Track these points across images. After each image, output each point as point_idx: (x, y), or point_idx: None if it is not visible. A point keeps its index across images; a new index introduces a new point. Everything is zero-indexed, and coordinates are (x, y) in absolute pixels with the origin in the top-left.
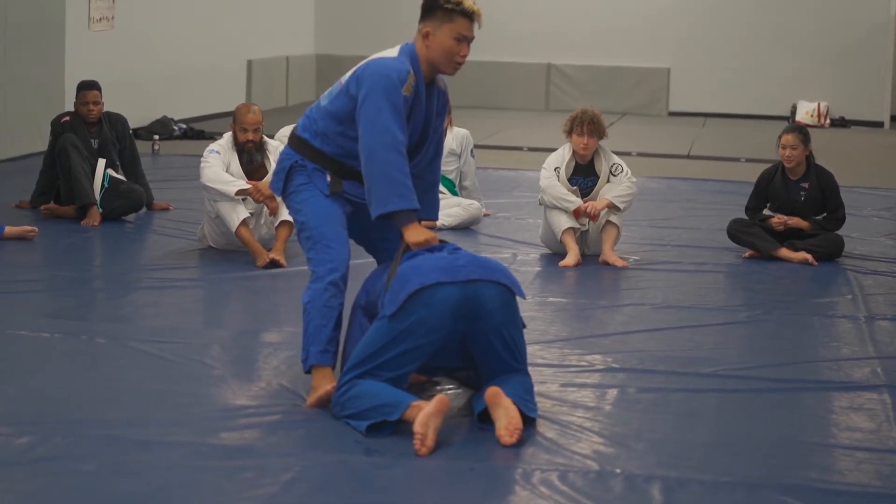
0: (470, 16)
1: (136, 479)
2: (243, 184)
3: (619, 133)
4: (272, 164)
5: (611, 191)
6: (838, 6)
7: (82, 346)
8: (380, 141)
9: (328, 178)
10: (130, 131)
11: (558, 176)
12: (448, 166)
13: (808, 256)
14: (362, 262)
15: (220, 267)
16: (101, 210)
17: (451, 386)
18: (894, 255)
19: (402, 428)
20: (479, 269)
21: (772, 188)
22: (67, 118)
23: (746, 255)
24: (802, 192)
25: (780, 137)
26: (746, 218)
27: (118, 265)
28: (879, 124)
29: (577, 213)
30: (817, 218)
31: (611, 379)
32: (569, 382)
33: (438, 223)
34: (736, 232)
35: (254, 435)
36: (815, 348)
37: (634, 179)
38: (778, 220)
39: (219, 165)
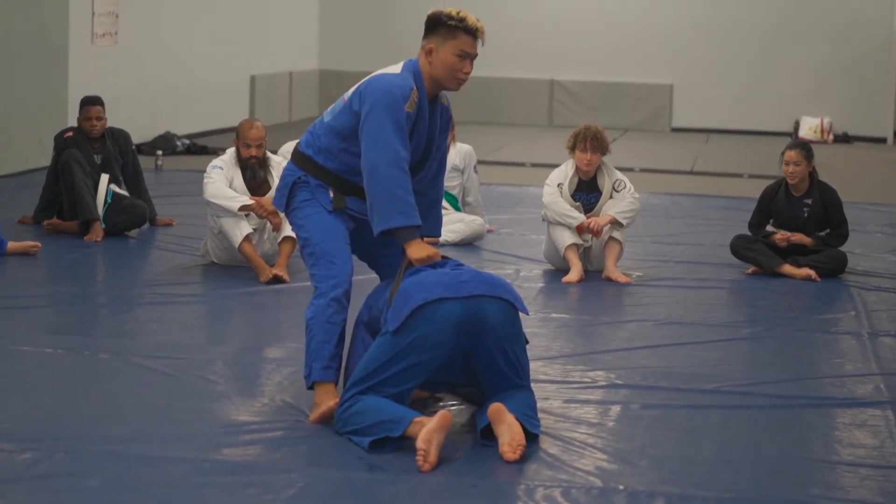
0: (473, 33)
1: (139, 495)
2: (246, 199)
3: (622, 149)
4: (275, 180)
5: (614, 207)
6: (841, 22)
7: (85, 362)
8: (382, 157)
9: (331, 195)
10: (133, 147)
11: (561, 192)
12: (451, 182)
13: (812, 273)
14: (365, 278)
15: (223, 283)
16: (103, 225)
17: (453, 402)
18: None
19: (404, 444)
20: (481, 285)
21: (775, 204)
22: (70, 133)
23: (749, 271)
24: (806, 209)
25: (783, 154)
26: (750, 234)
27: (121, 281)
28: (882, 140)
29: (580, 230)
30: (820, 234)
31: (614, 395)
32: (572, 398)
33: (441, 239)
34: (739, 248)
35: (257, 451)
36: (818, 365)
37: (637, 195)
38: (781, 236)
39: (222, 181)
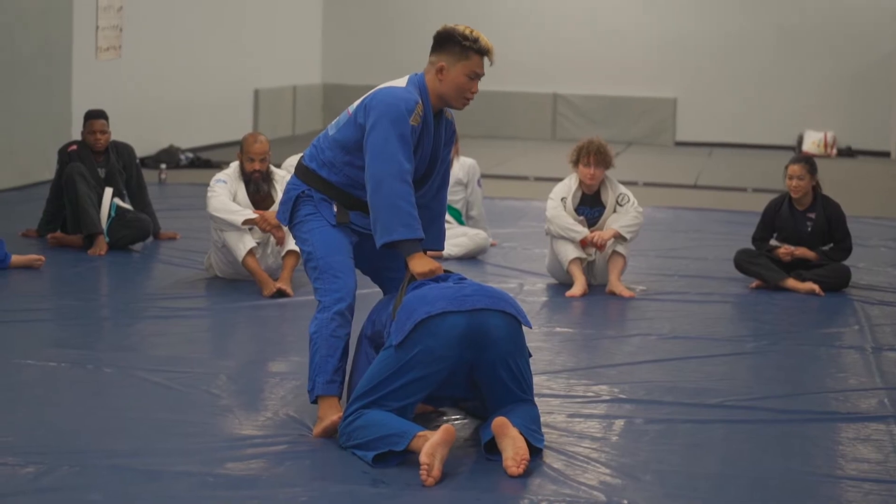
0: (485, 54)
1: None
2: (250, 213)
3: (625, 163)
4: (279, 194)
5: (617, 221)
6: (845, 37)
7: (89, 376)
8: (386, 170)
9: (335, 209)
10: (137, 160)
11: (565, 206)
12: (455, 196)
13: (815, 287)
14: (368, 292)
15: (226, 296)
16: (107, 239)
17: (457, 416)
18: None
19: (408, 458)
20: (485, 299)
21: (779, 218)
22: (74, 147)
23: (753, 285)
24: (809, 223)
25: (786, 168)
26: (753, 248)
27: (125, 294)
28: (886, 154)
29: (583, 244)
30: (824, 248)
31: (618, 410)
32: (575, 413)
33: (445, 253)
34: (743, 262)
35: (260, 465)
36: (821, 379)
37: (641, 209)
38: (785, 250)
39: (225, 195)
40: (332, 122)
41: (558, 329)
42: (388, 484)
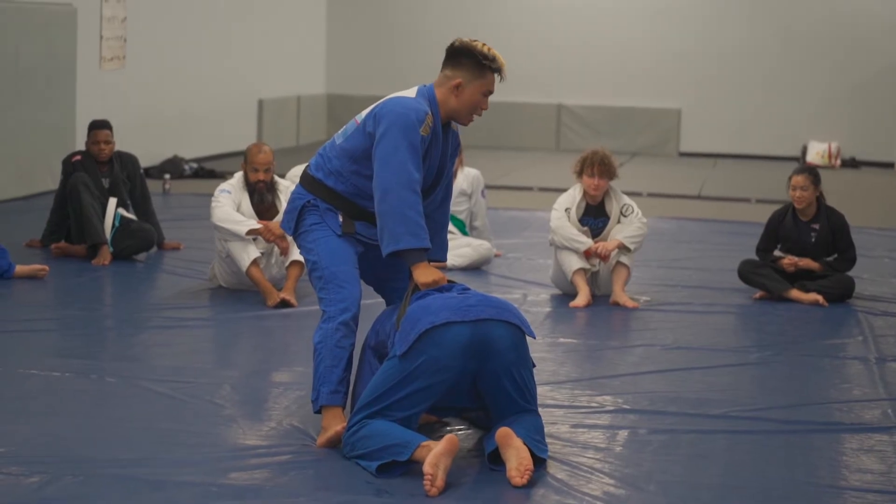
0: (500, 72)
1: None
2: (254, 223)
3: (629, 173)
4: (283, 204)
5: (621, 231)
6: (849, 48)
7: (92, 386)
8: (395, 178)
9: (340, 219)
10: (141, 170)
11: (569, 216)
12: (459, 206)
13: (819, 298)
14: (372, 303)
15: (230, 306)
16: (111, 249)
17: (461, 426)
18: None
19: (412, 468)
20: (489, 309)
21: (782, 229)
22: (78, 157)
23: (757, 296)
24: (813, 233)
25: (790, 178)
26: (757, 259)
27: (128, 304)
28: (890, 165)
29: (587, 254)
30: (828, 259)
31: (621, 420)
32: (579, 423)
33: (449, 263)
34: (747, 273)
35: (264, 475)
36: (825, 390)
37: (645, 220)
38: (789, 261)
39: (230, 205)
40: (339, 131)
41: (562, 339)
42: (392, 494)
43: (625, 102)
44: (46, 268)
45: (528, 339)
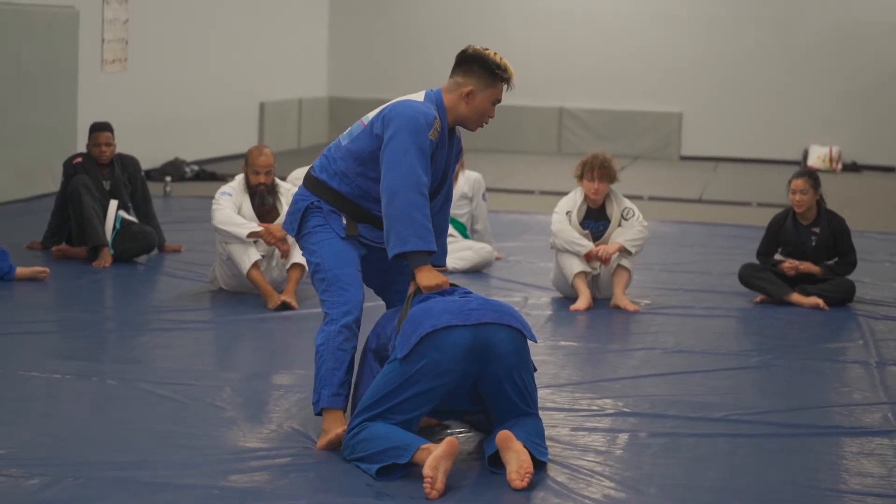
0: (510, 82)
1: None
2: (255, 226)
3: (630, 177)
4: (284, 207)
5: (622, 235)
6: (850, 51)
7: (93, 388)
8: (404, 181)
9: (344, 221)
10: (142, 173)
11: (570, 220)
12: (460, 209)
13: (820, 301)
14: (373, 305)
15: (231, 309)
16: (112, 251)
17: (461, 429)
18: None
19: (412, 471)
20: (490, 313)
21: (783, 233)
22: (80, 159)
23: (758, 299)
24: (814, 237)
25: (789, 182)
26: (758, 262)
27: (129, 307)
28: (891, 169)
29: (588, 257)
30: (829, 263)
31: (622, 423)
32: (579, 426)
33: (450, 266)
34: (747, 276)
35: (264, 478)
36: (826, 393)
37: (646, 223)
38: (789, 264)
39: (230, 208)
40: (345, 133)
41: (563, 343)
42: (392, 497)
43: (626, 106)
44: (47, 270)
45: (530, 342)
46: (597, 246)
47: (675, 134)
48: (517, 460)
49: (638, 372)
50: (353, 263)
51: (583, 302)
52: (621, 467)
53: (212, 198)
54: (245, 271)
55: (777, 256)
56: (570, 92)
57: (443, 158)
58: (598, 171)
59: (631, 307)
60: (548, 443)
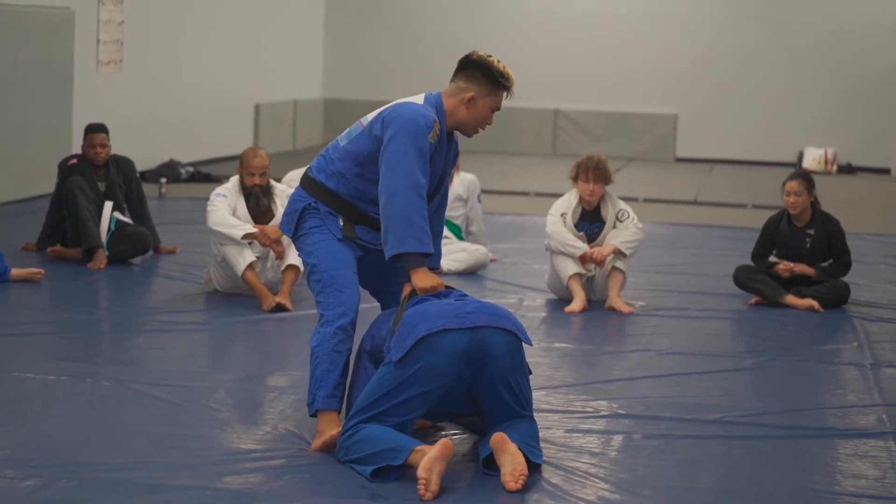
0: (510, 90)
1: None
2: (250, 227)
3: (626, 179)
4: (279, 208)
5: (617, 237)
6: (845, 52)
7: (88, 389)
8: (403, 183)
9: (341, 223)
10: (137, 174)
11: (565, 221)
12: (455, 211)
13: (814, 303)
14: (368, 307)
15: (226, 310)
16: (107, 253)
17: (455, 431)
18: None
19: (406, 473)
20: (486, 316)
21: (778, 235)
22: (75, 161)
23: (752, 301)
24: (808, 239)
25: (784, 184)
26: (753, 264)
27: (124, 308)
28: (886, 171)
29: (583, 259)
30: (823, 265)
31: (616, 425)
32: (574, 428)
33: (445, 268)
34: (742, 278)
35: (259, 479)
36: (820, 395)
37: (641, 225)
38: (784, 266)
39: (225, 209)
40: (343, 134)
41: (557, 344)
42: (387, 498)
43: (621, 108)
44: (42, 271)
45: (525, 345)
46: (591, 248)
47: (671, 136)
48: (511, 462)
49: (632, 374)
50: (350, 265)
51: (577, 304)
52: (616, 469)
53: (207, 199)
54: (240, 273)
55: (772, 258)
56: (566, 93)
57: (440, 162)
58: (594, 172)
59: (625, 309)
60: (542, 444)
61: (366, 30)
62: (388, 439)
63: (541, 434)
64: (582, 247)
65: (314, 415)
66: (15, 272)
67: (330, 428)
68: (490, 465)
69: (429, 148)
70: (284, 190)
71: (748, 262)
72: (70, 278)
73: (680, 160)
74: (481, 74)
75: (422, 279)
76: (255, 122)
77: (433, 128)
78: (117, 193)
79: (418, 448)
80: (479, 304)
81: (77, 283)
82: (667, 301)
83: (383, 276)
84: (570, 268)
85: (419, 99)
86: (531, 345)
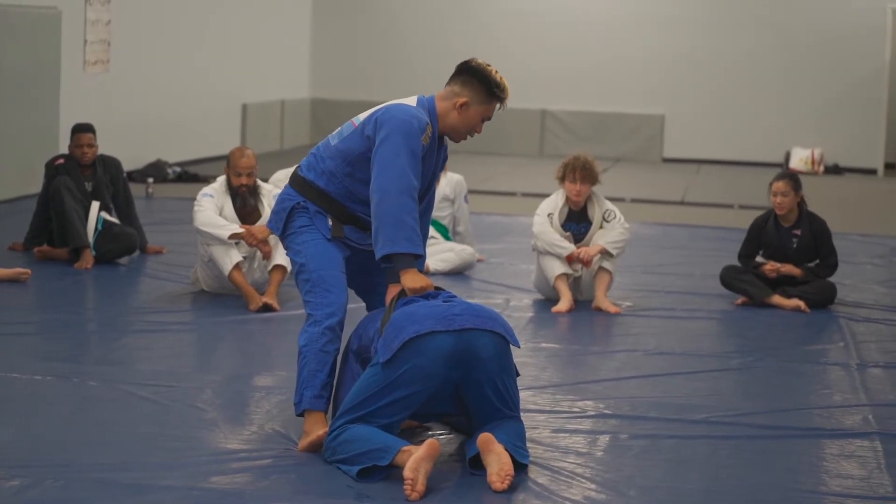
0: (503, 103)
1: None
2: (236, 227)
3: (613, 179)
4: (266, 208)
5: (604, 237)
6: (832, 53)
7: (74, 389)
8: (395, 183)
9: (330, 222)
10: (124, 174)
11: (551, 222)
12: (442, 211)
13: (801, 303)
14: (354, 307)
15: (212, 311)
16: (94, 253)
17: (442, 431)
18: (887, 302)
19: (393, 473)
20: (473, 318)
21: (764, 235)
22: (61, 161)
23: (739, 301)
24: (795, 239)
25: (771, 185)
26: (739, 265)
27: (111, 308)
28: (873, 172)
29: (570, 259)
30: (810, 265)
31: (602, 425)
32: (560, 428)
33: (431, 268)
34: (729, 279)
35: (245, 479)
36: (806, 395)
37: (627, 225)
38: (770, 267)
39: (212, 209)
40: (334, 133)
41: (544, 344)
42: (373, 498)
43: (608, 108)
44: (29, 271)
45: (512, 347)
46: (578, 248)
47: (658, 136)
48: (498, 462)
49: (619, 374)
50: (338, 265)
51: (564, 304)
52: (602, 469)
53: (194, 199)
54: (226, 273)
55: (758, 259)
56: (553, 94)
57: (430, 165)
58: (580, 172)
59: (612, 309)
60: (529, 445)
61: (353, 30)
62: (374, 439)
63: (527, 434)
64: (569, 247)
65: (301, 414)
66: (1, 272)
67: (317, 428)
68: (476, 465)
69: (421, 150)
70: (271, 190)
71: (735, 262)
72: (57, 278)
73: (667, 160)
74: (478, 82)
75: (412, 280)
76: (243, 122)
77: (426, 130)
78: (104, 193)
79: (405, 448)
80: (467, 305)
81: (64, 283)
82: (653, 301)
83: (370, 276)
84: (556, 268)
85: (412, 101)
86: (519, 347)
